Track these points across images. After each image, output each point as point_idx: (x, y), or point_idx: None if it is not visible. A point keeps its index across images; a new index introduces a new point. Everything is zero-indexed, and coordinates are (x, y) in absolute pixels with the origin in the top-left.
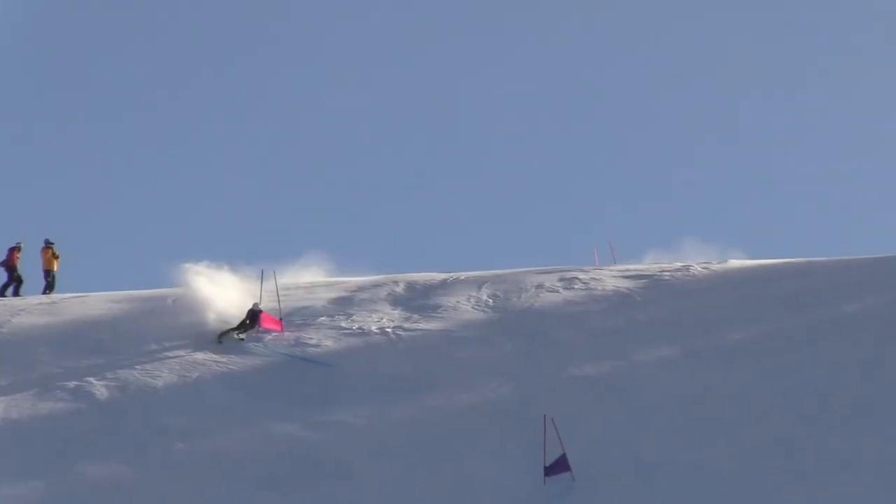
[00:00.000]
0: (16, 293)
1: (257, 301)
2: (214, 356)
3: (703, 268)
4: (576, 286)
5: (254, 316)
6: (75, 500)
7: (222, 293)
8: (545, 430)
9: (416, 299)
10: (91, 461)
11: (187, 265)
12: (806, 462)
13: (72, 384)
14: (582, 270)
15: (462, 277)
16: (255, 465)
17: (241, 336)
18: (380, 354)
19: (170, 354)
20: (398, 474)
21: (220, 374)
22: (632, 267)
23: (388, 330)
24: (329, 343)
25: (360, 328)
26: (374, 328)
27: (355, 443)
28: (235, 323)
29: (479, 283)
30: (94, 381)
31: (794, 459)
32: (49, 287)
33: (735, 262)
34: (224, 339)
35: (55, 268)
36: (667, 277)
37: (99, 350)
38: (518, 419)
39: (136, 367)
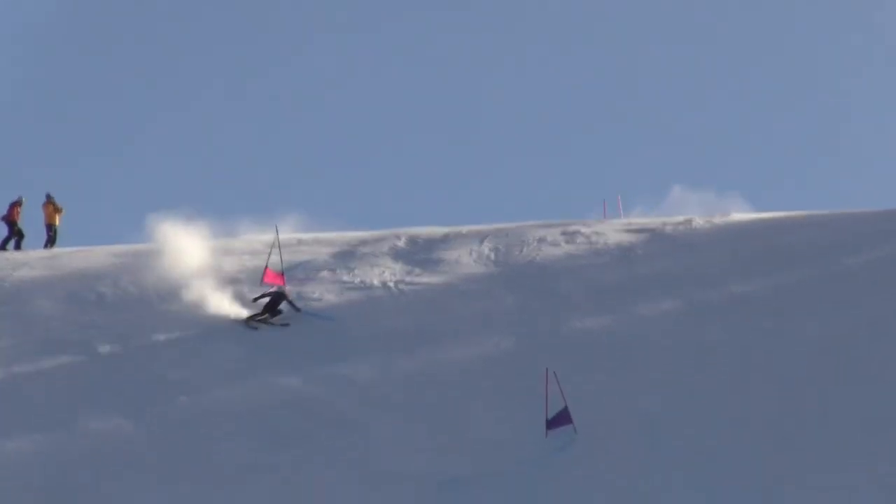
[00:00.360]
0: (17, 247)
1: (284, 284)
2: (217, 310)
3: (706, 221)
4: (578, 240)
5: (277, 298)
6: (77, 454)
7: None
8: (547, 383)
9: (418, 253)
10: (93, 415)
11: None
12: (807, 415)
13: (73, 338)
14: (584, 224)
15: (464, 231)
16: (256, 419)
17: (272, 321)
18: (381, 308)
19: (171, 308)
20: (400, 427)
21: (221, 328)
22: (634, 221)
23: (390, 284)
24: (331, 297)
25: (361, 282)
26: (375, 282)
27: (357, 396)
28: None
29: (481, 237)
30: (96, 335)
31: (795, 412)
32: (51, 241)
33: (737, 216)
34: (252, 323)
35: (57, 222)
36: (669, 231)
37: (101, 304)
38: (519, 373)
39: (138, 320)
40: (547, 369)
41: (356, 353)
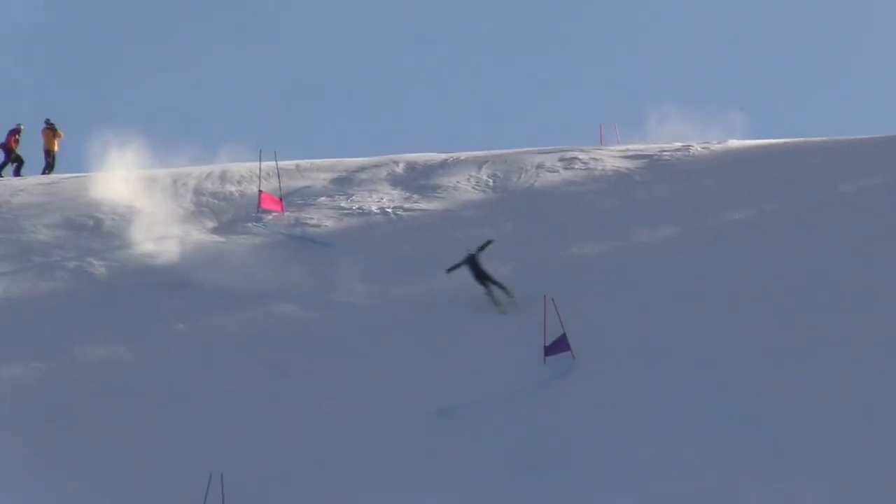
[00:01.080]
0: (17, 173)
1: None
2: (215, 237)
3: (703, 148)
4: (576, 166)
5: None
6: (74, 381)
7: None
8: (545, 309)
9: (416, 179)
10: (90, 342)
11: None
12: (804, 340)
13: (71, 264)
14: (582, 150)
15: (462, 158)
16: (255, 346)
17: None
18: (380, 234)
19: (169, 235)
20: (398, 354)
21: (219, 255)
22: (631, 147)
23: (388, 210)
24: (329, 223)
25: (359, 208)
26: (374, 208)
27: (356, 323)
28: None
29: (479, 163)
30: (94, 262)
31: (792, 338)
32: (49, 167)
33: (735, 142)
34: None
35: (56, 147)
36: (667, 157)
37: (98, 230)
38: (518, 299)
39: (136, 247)
40: (545, 295)
41: (355, 279)
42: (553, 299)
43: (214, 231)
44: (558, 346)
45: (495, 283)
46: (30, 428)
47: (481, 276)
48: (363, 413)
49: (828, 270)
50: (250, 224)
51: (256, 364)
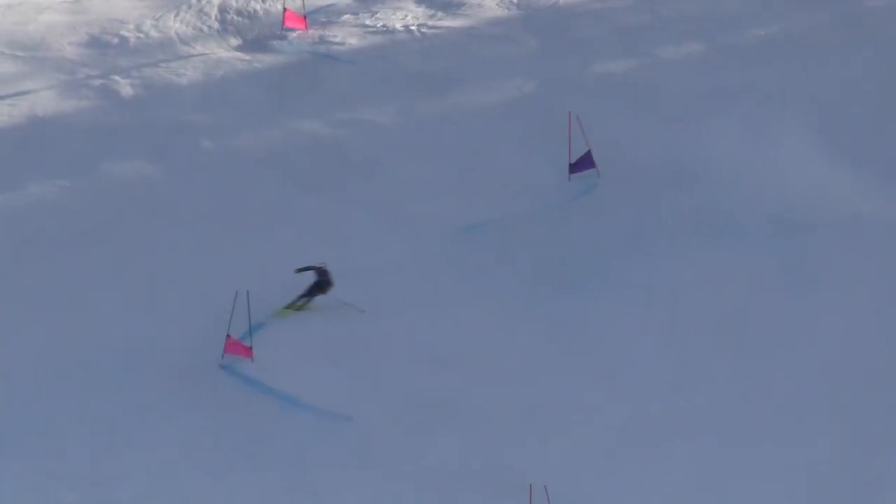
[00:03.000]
0: None
1: (322, 262)
2: (239, 54)
3: None
4: None
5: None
6: (100, 198)
7: None
8: (570, 127)
9: None
10: (116, 159)
11: None
12: (838, 146)
13: (97, 82)
14: None
15: None
16: (280, 163)
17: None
18: (404, 52)
19: (194, 52)
20: (424, 171)
21: (244, 72)
22: None
23: (413, 27)
24: (353, 41)
25: (384, 26)
26: (398, 26)
27: (380, 140)
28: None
29: None
30: (120, 80)
31: (816, 146)
32: None
33: None
34: (288, 312)
35: None
36: None
37: (124, 48)
38: (542, 116)
39: (161, 64)
40: (570, 113)
41: (379, 96)
42: (577, 116)
43: (239, 49)
44: (583, 163)
45: (307, 298)
46: (56, 246)
47: (313, 291)
48: (389, 229)
49: (858, 84)
50: (275, 42)
51: (282, 182)
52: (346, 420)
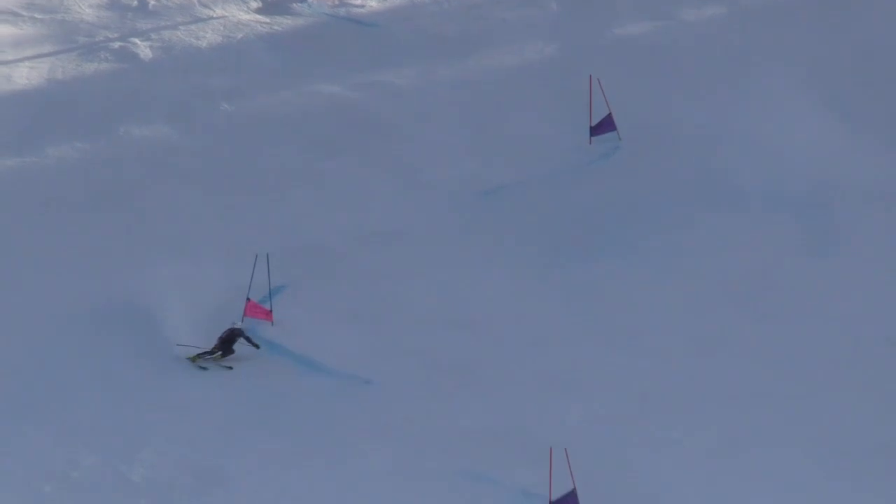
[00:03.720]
0: None
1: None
2: (259, 17)
3: None
4: None
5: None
6: (120, 161)
7: None
8: (591, 90)
9: None
10: (135, 122)
11: None
12: (855, 118)
13: (116, 45)
14: None
15: None
16: (300, 126)
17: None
18: (425, 15)
19: (214, 15)
20: (443, 134)
21: (264, 35)
22: None
23: None
24: (373, 3)
25: None
26: None
27: (401, 103)
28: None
29: None
30: (139, 42)
31: (836, 111)
32: None
33: None
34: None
35: None
36: None
37: (143, 11)
38: (563, 79)
39: (181, 27)
40: (591, 76)
41: (400, 59)
42: (598, 79)
43: (259, 11)
44: (604, 126)
45: (216, 354)
46: (76, 207)
47: (223, 346)
48: (408, 193)
49: (876, 50)
50: (295, 4)
51: (302, 144)
52: (365, 383)
